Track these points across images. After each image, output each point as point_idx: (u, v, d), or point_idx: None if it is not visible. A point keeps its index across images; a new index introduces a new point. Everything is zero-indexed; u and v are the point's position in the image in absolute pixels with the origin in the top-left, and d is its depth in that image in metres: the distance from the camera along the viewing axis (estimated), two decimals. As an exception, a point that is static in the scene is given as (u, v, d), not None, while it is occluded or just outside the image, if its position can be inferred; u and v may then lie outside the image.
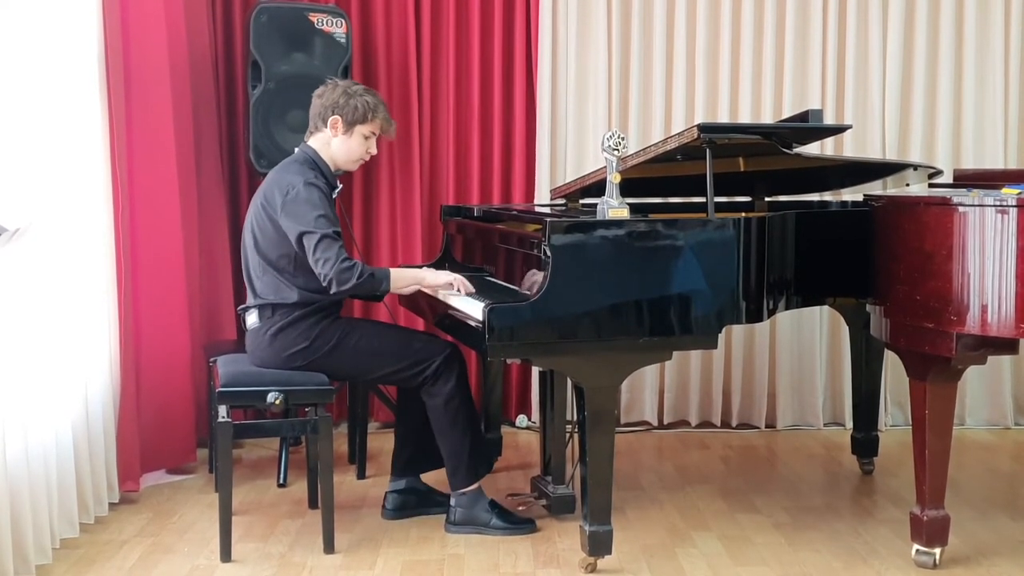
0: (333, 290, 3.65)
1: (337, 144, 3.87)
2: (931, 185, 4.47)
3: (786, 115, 5.12)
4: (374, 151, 3.96)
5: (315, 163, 3.85)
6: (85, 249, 3.98)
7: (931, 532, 3.53)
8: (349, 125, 3.85)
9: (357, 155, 3.91)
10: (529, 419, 5.40)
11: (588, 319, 3.36)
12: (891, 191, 4.47)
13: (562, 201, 4.61)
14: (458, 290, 3.80)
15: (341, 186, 3.98)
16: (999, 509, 4.18)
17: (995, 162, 5.34)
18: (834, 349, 5.44)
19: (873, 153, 5.33)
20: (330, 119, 3.84)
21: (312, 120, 3.90)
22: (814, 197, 4.92)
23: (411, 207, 5.29)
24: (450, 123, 5.35)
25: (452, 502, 3.91)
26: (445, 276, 3.87)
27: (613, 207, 3.46)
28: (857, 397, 4.69)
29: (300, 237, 3.66)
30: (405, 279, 3.86)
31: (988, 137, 5.39)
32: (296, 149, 3.94)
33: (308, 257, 3.66)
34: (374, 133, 3.91)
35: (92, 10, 4.03)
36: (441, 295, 3.86)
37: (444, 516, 3.93)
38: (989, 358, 3.48)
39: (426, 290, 3.93)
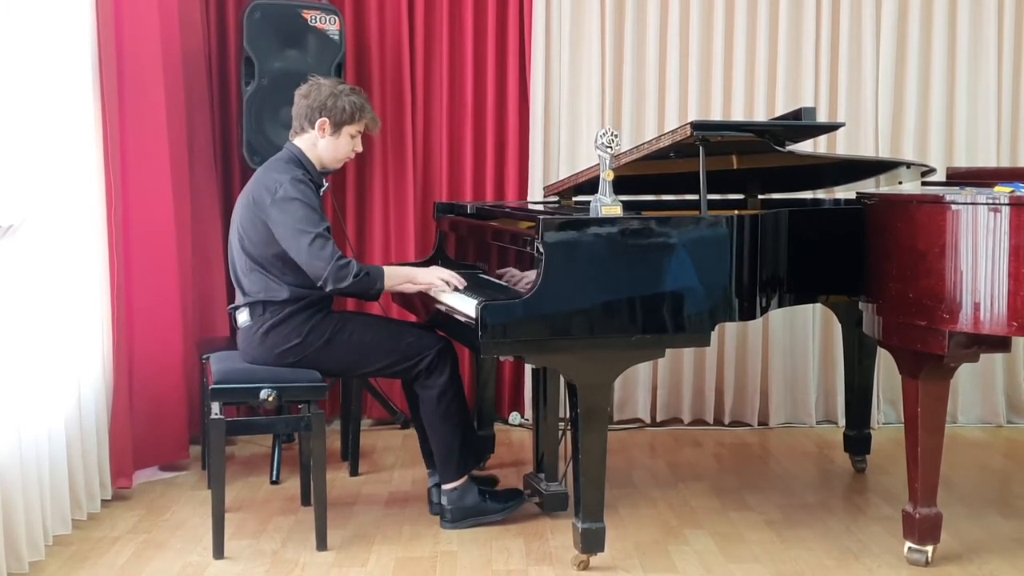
0: (328, 288, 3.65)
1: (324, 145, 3.87)
2: (924, 183, 4.48)
3: (779, 113, 5.13)
4: (359, 149, 3.97)
5: (301, 162, 3.85)
6: (78, 245, 3.97)
7: (923, 530, 3.54)
8: (337, 126, 3.85)
9: (343, 154, 3.92)
10: (522, 416, 5.40)
11: (581, 316, 3.36)
12: (884, 189, 4.47)
13: (555, 199, 4.61)
14: (453, 287, 3.80)
15: (328, 184, 3.98)
16: (991, 507, 4.19)
17: (988, 160, 5.35)
18: (827, 347, 5.45)
19: (866, 151, 5.33)
20: (318, 121, 3.83)
21: (297, 120, 3.89)
22: (807, 195, 4.93)
23: (404, 204, 5.29)
24: (443, 120, 5.35)
25: (444, 500, 3.91)
26: (435, 274, 3.86)
27: (606, 205, 3.46)
28: (850, 395, 4.70)
29: (291, 236, 3.65)
30: (398, 277, 3.86)
31: (981, 135, 5.40)
32: (284, 147, 3.94)
33: (300, 256, 3.65)
34: (360, 132, 3.92)
35: (86, 7, 4.02)
36: (433, 292, 3.86)
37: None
38: (981, 356, 3.49)
39: (419, 287, 3.93)
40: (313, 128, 3.85)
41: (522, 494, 4.04)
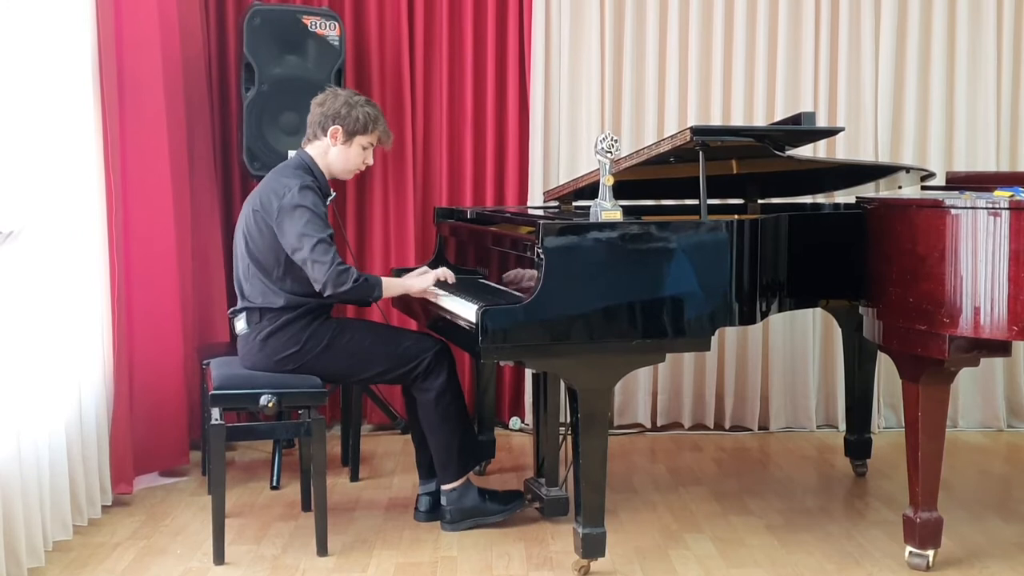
0: (327, 293, 3.65)
1: (335, 154, 3.88)
2: (923, 187, 4.48)
3: (779, 117, 5.14)
4: (370, 162, 3.99)
5: (310, 169, 3.87)
6: (78, 251, 3.97)
7: (924, 534, 3.54)
8: (349, 136, 3.86)
9: (354, 165, 3.93)
10: (522, 421, 5.40)
11: (581, 321, 3.35)
12: (884, 193, 4.48)
13: (555, 203, 4.61)
14: (444, 281, 3.81)
15: (335, 193, 3.99)
16: (992, 511, 4.19)
17: (987, 164, 5.35)
18: (827, 351, 5.45)
19: (866, 155, 5.34)
20: (330, 129, 3.85)
21: (311, 127, 3.91)
22: (807, 199, 4.92)
23: (404, 209, 5.29)
24: (443, 125, 5.35)
25: (443, 501, 3.92)
26: (427, 279, 3.88)
27: (606, 209, 3.46)
28: (850, 399, 4.69)
29: (296, 240, 3.66)
30: (395, 288, 3.89)
31: (980, 139, 5.40)
32: (292, 153, 3.95)
33: (303, 261, 3.66)
34: (372, 144, 3.94)
35: (86, 12, 4.03)
36: (431, 298, 3.86)
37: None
38: (982, 360, 3.48)
39: (416, 295, 3.94)
40: (325, 136, 3.87)
41: (522, 496, 4.05)
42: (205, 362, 4.29)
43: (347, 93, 3.92)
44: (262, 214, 3.77)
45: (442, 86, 5.34)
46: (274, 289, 3.79)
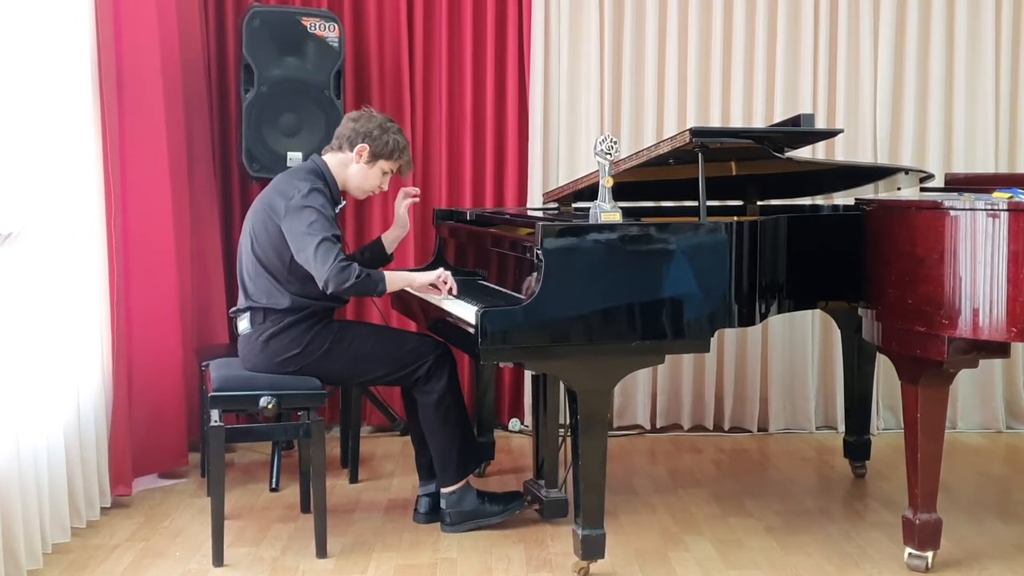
0: (330, 290, 3.66)
1: (355, 171, 3.91)
2: (922, 189, 4.48)
3: (777, 119, 5.14)
4: (386, 187, 4.02)
5: (323, 175, 3.89)
6: (77, 253, 3.97)
7: (923, 536, 3.54)
8: (374, 157, 3.89)
9: (370, 186, 3.96)
10: (522, 423, 5.40)
11: (581, 323, 3.35)
12: (882, 195, 4.48)
13: (554, 205, 4.61)
14: (446, 285, 3.81)
15: (344, 202, 4.00)
16: (991, 513, 4.19)
17: (986, 166, 5.35)
18: (826, 353, 5.45)
19: (864, 157, 5.34)
20: (358, 146, 3.88)
21: (337, 139, 3.94)
22: (806, 201, 4.93)
23: (404, 211, 5.29)
24: (442, 126, 5.36)
25: (443, 504, 3.93)
26: (431, 276, 3.88)
27: (605, 211, 3.46)
28: (849, 401, 4.69)
29: (300, 239, 3.67)
30: (399, 282, 3.89)
31: (979, 141, 5.40)
32: (291, 155, 3.95)
33: (306, 259, 3.67)
34: (392, 171, 3.97)
35: (85, 14, 4.03)
36: (433, 298, 3.86)
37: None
38: (981, 362, 3.49)
39: (415, 292, 3.94)
40: (351, 151, 3.89)
41: (521, 496, 4.05)
42: (204, 364, 4.28)
43: (382, 117, 3.97)
44: (270, 214, 3.79)
45: (441, 87, 5.34)
46: (280, 290, 3.79)
